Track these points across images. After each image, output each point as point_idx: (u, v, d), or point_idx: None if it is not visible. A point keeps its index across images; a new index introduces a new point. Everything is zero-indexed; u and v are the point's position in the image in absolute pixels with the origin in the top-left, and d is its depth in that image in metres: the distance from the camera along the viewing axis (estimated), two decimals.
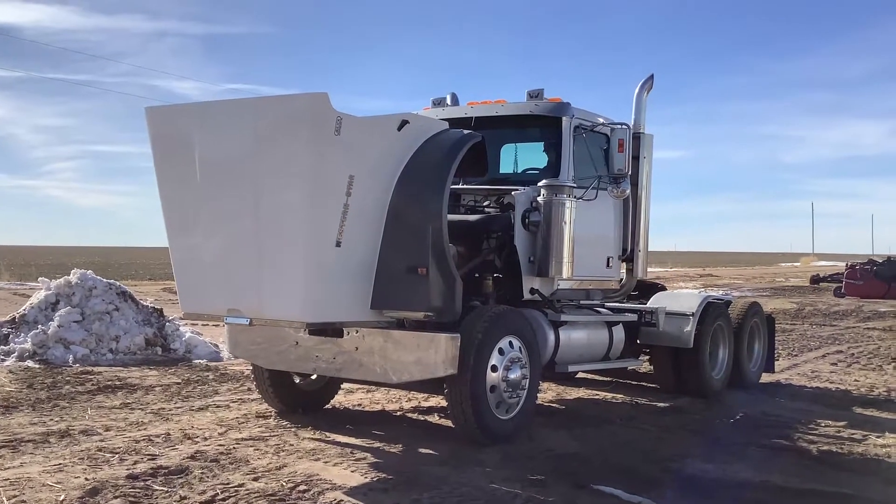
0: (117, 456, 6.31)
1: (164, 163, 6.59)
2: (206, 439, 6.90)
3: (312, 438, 7.03)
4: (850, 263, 32.42)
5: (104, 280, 12.38)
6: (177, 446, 6.66)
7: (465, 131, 7.08)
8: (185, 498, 5.37)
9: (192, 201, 6.43)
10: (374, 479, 5.88)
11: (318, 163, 5.92)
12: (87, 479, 5.69)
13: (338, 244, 6.10)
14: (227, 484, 5.66)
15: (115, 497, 5.34)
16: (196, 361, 11.43)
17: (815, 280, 37.37)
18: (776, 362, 11.36)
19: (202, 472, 5.91)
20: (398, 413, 8.31)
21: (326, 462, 6.30)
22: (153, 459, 6.23)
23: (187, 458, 6.28)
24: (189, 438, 6.92)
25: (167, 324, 12.31)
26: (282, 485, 5.66)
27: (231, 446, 6.66)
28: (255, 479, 5.78)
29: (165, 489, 5.53)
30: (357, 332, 6.76)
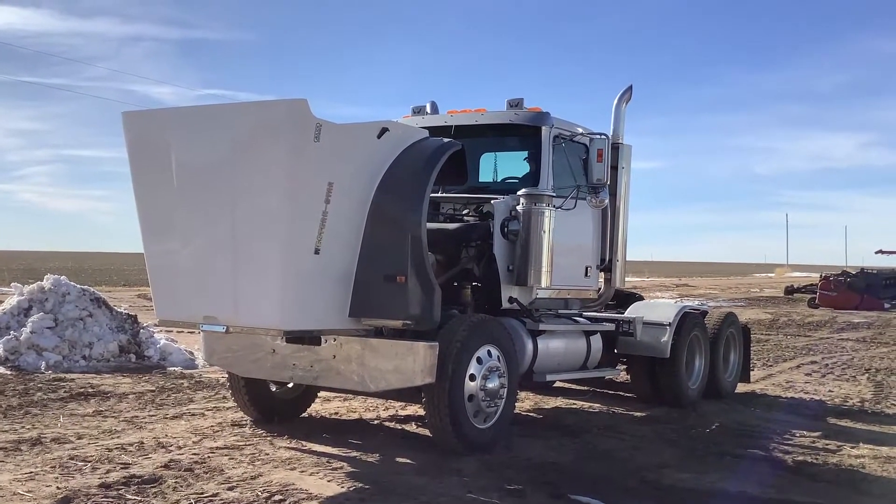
0: (90, 464, 6.23)
1: (141, 168, 6.53)
2: (180, 448, 6.82)
3: (288, 447, 6.97)
4: (823, 274, 32.84)
5: (78, 286, 12.24)
6: (150, 455, 6.58)
7: (445, 139, 7.07)
8: None
9: (168, 207, 6.38)
10: (351, 489, 5.84)
11: (297, 169, 5.89)
12: (58, 487, 5.61)
13: (316, 251, 6.06)
14: (202, 493, 5.60)
15: None
16: (171, 369, 11.32)
17: (790, 291, 37.74)
18: (751, 372, 11.44)
19: (176, 482, 5.84)
20: (375, 422, 8.27)
21: (302, 471, 6.25)
22: (126, 468, 6.15)
23: (161, 466, 6.20)
24: (163, 447, 6.84)
25: (142, 330, 12.18)
26: (257, 494, 5.60)
27: (205, 455, 6.59)
28: (230, 489, 5.71)
29: (138, 498, 5.46)
30: (335, 339, 6.71)
